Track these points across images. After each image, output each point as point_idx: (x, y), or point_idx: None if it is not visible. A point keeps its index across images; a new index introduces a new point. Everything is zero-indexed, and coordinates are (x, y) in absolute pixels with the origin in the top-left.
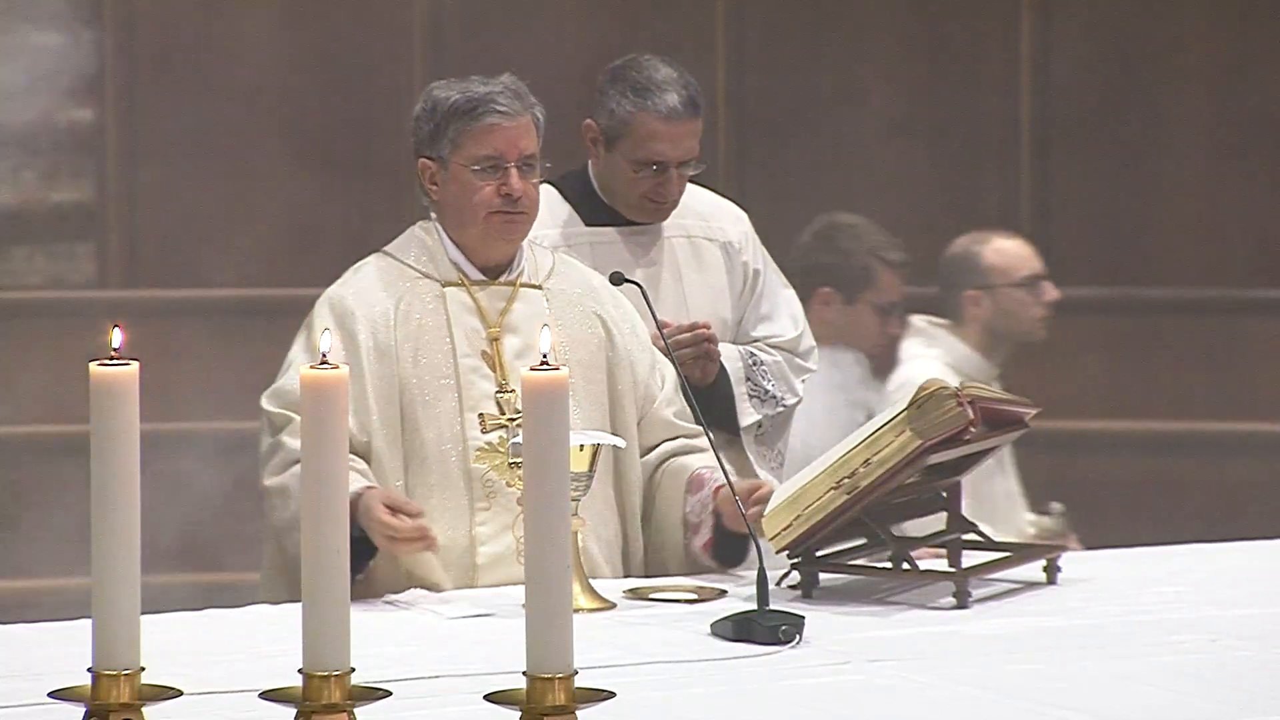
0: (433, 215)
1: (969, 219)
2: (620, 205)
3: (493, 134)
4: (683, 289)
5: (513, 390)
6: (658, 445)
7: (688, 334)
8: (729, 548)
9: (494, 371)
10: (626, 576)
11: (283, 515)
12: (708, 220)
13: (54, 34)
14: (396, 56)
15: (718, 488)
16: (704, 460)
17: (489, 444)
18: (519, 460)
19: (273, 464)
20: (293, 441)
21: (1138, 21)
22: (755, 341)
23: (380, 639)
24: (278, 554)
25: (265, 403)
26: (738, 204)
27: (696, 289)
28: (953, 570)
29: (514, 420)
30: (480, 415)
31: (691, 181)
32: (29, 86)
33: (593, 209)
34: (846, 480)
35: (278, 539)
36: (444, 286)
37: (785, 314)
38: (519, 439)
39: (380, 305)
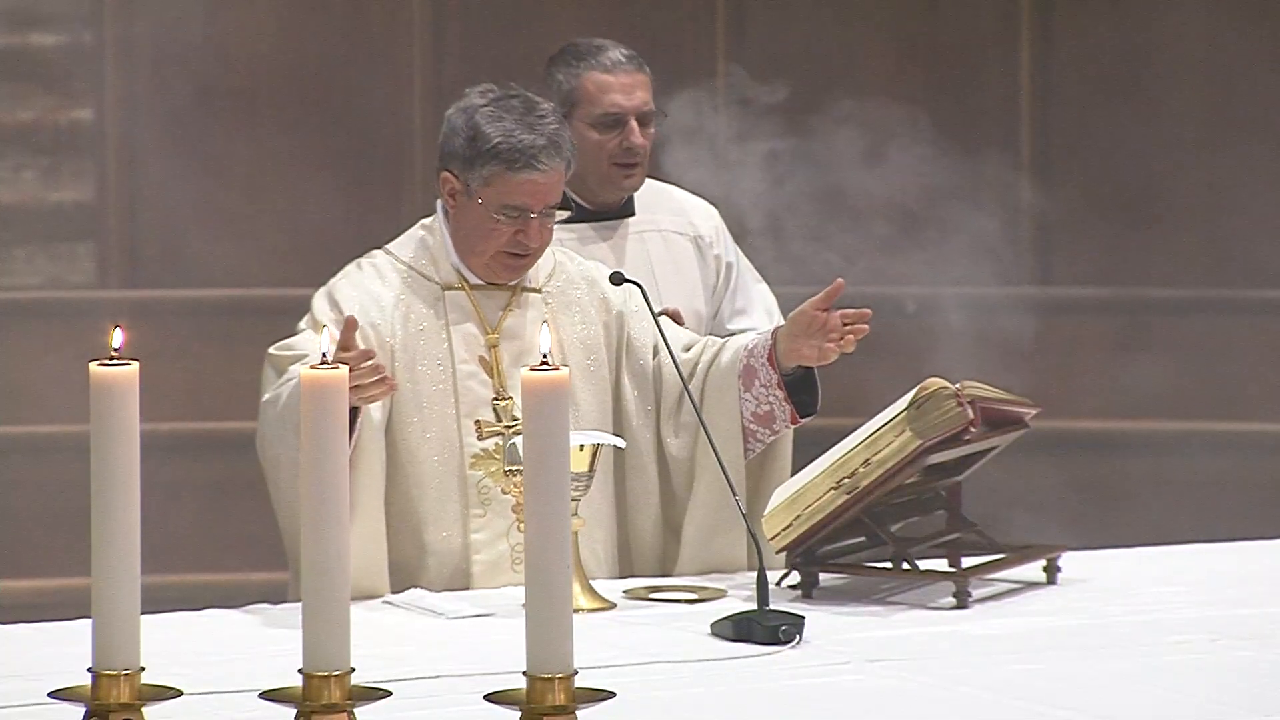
0: (437, 209)
1: (968, 219)
2: (592, 183)
3: (525, 187)
4: (656, 283)
5: (509, 398)
6: (693, 367)
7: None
8: (805, 388)
9: (491, 378)
10: (623, 576)
11: (267, 395)
12: (678, 215)
13: (54, 34)
14: (396, 57)
15: (770, 346)
16: (733, 352)
17: (485, 450)
18: (515, 468)
19: (269, 376)
20: (296, 368)
21: (1139, 20)
22: (731, 335)
23: (380, 639)
24: (266, 427)
25: (272, 349)
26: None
27: (670, 283)
28: (953, 570)
29: (511, 427)
30: (477, 422)
31: (653, 176)
32: (29, 86)
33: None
34: (846, 480)
35: (261, 414)
36: (444, 290)
37: (760, 308)
38: (515, 443)
39: (380, 304)
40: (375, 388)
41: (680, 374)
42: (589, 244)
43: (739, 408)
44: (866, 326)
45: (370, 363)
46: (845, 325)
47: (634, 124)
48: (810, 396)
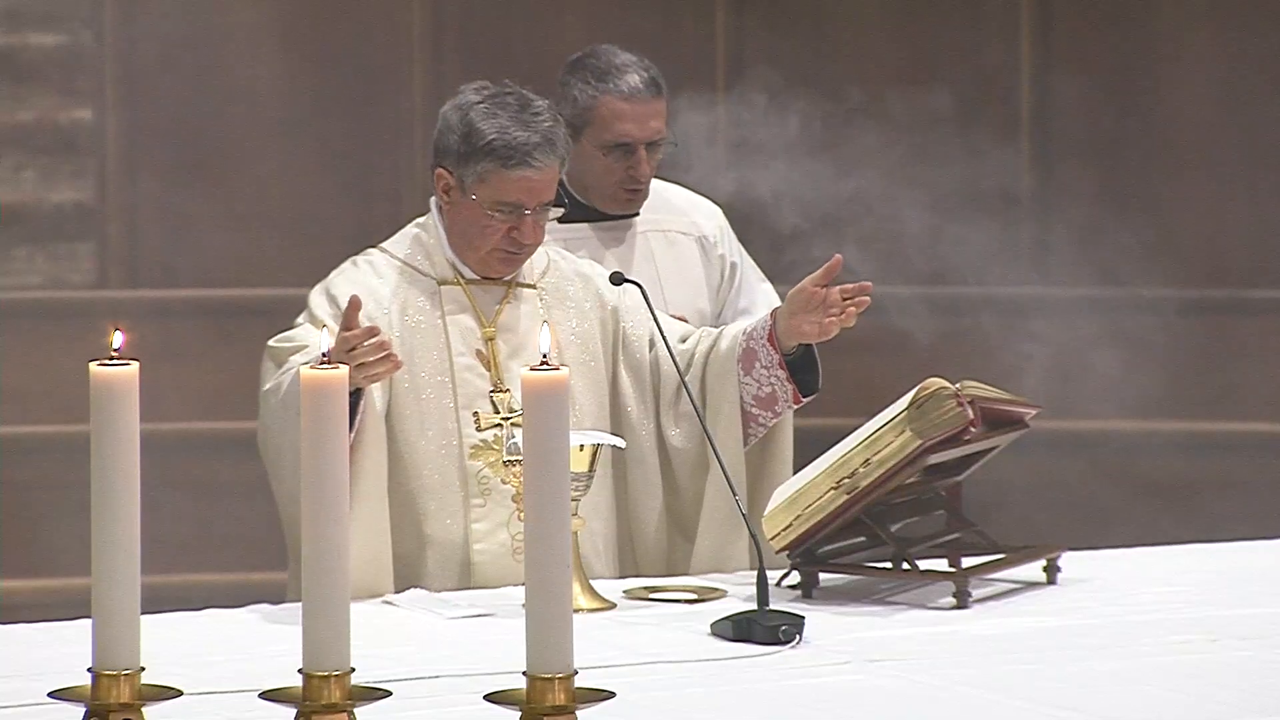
0: (431, 207)
1: (968, 218)
2: (595, 198)
3: (519, 184)
4: (660, 283)
5: (507, 390)
6: (690, 358)
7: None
8: (805, 368)
9: (488, 371)
10: (623, 575)
11: (268, 385)
12: (682, 215)
13: (54, 34)
14: (396, 56)
15: (769, 327)
16: (731, 338)
17: (484, 441)
18: (514, 458)
19: (269, 368)
20: (295, 358)
21: (1141, 18)
22: None
23: (380, 639)
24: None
25: (272, 342)
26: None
27: (674, 283)
28: (953, 570)
29: (509, 419)
30: (475, 413)
31: (658, 177)
32: (29, 86)
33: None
34: (846, 480)
35: (262, 404)
36: (439, 284)
37: (764, 307)
38: (516, 437)
39: (377, 299)
40: (380, 365)
41: (677, 366)
42: (591, 244)
43: (739, 393)
44: (868, 299)
45: (375, 339)
46: (845, 299)
47: (642, 153)
48: (811, 376)
